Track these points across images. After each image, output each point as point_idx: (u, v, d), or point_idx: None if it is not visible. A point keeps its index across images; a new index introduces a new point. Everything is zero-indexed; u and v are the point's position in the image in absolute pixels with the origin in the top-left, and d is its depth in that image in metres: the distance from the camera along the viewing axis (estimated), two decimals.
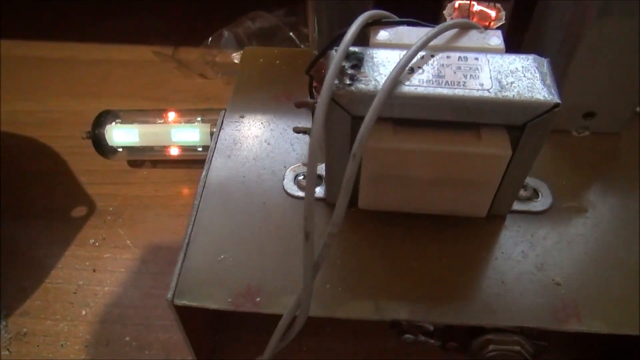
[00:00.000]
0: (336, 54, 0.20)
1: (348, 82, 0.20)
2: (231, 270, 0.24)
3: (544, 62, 0.21)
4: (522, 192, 0.26)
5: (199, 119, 0.37)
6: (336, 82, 0.20)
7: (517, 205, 0.26)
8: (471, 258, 0.24)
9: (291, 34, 0.48)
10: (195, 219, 0.26)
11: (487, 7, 0.28)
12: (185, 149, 0.39)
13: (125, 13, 0.55)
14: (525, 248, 0.24)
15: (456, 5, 0.29)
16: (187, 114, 0.39)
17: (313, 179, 0.19)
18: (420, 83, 0.20)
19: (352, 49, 0.22)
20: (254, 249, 0.24)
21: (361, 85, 0.20)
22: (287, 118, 0.31)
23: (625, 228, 0.25)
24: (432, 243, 0.25)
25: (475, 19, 0.29)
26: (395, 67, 0.20)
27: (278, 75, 0.34)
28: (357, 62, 0.21)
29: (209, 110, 0.38)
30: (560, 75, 0.27)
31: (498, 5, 0.28)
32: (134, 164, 0.41)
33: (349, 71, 0.21)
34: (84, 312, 0.33)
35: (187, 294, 0.23)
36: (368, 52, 0.22)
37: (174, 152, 0.39)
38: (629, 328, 0.22)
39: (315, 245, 0.20)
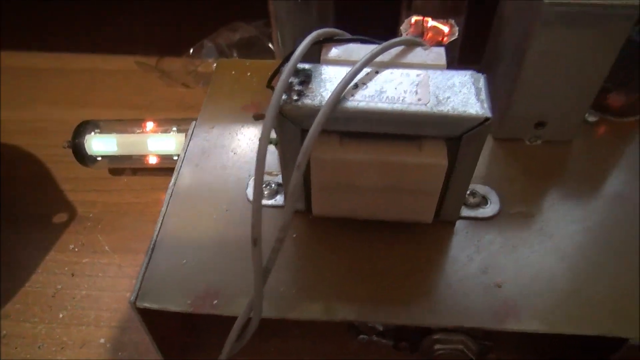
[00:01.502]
0: (284, 71, 0.22)
1: (295, 97, 0.22)
2: (192, 274, 0.25)
3: (481, 77, 0.23)
4: (471, 199, 0.27)
5: (174, 128, 0.38)
6: (284, 97, 0.22)
7: (466, 212, 0.27)
8: (420, 262, 0.25)
9: (270, 44, 0.50)
10: (161, 225, 0.27)
11: (441, 22, 0.30)
12: (163, 157, 0.40)
13: (108, 24, 0.57)
14: (471, 252, 0.26)
15: (412, 21, 0.30)
16: (165, 123, 0.40)
17: (259, 187, 0.21)
18: (362, 98, 0.22)
19: (301, 65, 0.23)
20: (215, 254, 0.26)
21: (307, 100, 0.22)
22: (254, 128, 0.32)
23: (567, 233, 0.26)
24: (384, 247, 0.26)
25: (429, 34, 0.30)
26: (339, 83, 0.21)
27: (249, 86, 0.35)
28: (306, 78, 0.23)
29: (184, 120, 0.39)
30: (512, 86, 0.29)
31: (451, 20, 0.30)
32: (115, 171, 0.43)
33: (297, 87, 0.22)
34: (61, 315, 0.34)
35: (149, 297, 0.24)
36: (317, 69, 0.23)
37: (153, 160, 0.40)
38: (567, 327, 0.23)
39: (268, 250, 0.22)
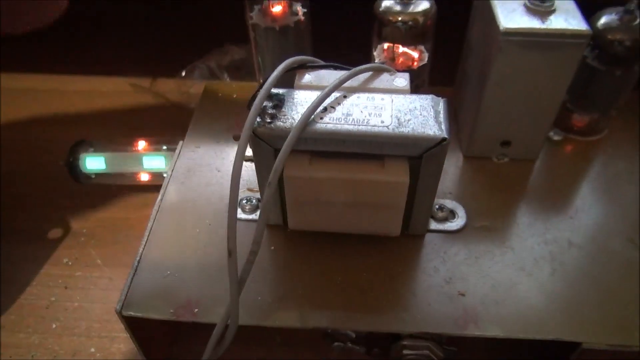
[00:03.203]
0: (257, 96, 0.24)
1: (268, 120, 0.24)
2: (175, 285, 0.27)
3: (440, 101, 0.25)
4: (440, 213, 0.29)
5: (164, 147, 0.40)
6: (258, 120, 0.24)
7: (434, 225, 0.29)
8: (389, 272, 0.27)
9: None
10: (147, 240, 0.29)
11: (411, 49, 0.32)
12: (154, 174, 0.42)
13: (104, 47, 0.59)
14: (437, 264, 0.27)
15: (385, 47, 0.33)
16: (157, 142, 0.42)
17: (234, 202, 0.23)
18: (330, 120, 0.24)
19: (275, 90, 0.25)
20: (197, 266, 0.27)
21: (279, 123, 0.24)
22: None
23: (527, 245, 0.28)
24: (356, 259, 0.28)
25: (401, 60, 0.32)
26: (308, 107, 0.23)
27: (234, 107, 0.37)
28: (279, 102, 0.25)
29: (175, 139, 0.41)
30: (477, 108, 0.31)
31: (420, 47, 0.32)
32: (109, 188, 0.45)
33: (270, 110, 0.24)
34: (54, 326, 0.35)
35: (134, 306, 0.26)
36: (290, 94, 0.25)
37: (144, 177, 0.42)
38: (523, 333, 0.25)
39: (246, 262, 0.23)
